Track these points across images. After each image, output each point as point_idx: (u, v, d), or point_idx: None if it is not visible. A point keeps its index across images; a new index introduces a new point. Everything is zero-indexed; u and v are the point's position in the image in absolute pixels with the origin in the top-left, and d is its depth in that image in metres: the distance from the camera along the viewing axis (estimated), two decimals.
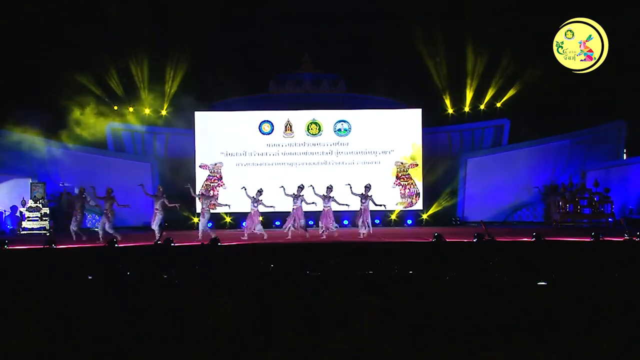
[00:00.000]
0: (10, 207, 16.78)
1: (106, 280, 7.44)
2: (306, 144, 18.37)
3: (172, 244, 11.95)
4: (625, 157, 18.61)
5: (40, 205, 16.30)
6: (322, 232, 14.15)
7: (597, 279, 7.03)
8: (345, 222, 18.21)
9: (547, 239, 12.07)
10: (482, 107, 19.57)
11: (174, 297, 6.69)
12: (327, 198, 14.26)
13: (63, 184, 16.94)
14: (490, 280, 7.11)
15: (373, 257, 10.18)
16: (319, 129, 18.34)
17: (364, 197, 14.28)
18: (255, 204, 14.17)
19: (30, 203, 16.33)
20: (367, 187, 14.52)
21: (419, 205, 18.39)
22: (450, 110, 19.76)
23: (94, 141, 18.08)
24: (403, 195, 18.35)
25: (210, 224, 16.21)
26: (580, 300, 6.30)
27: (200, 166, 18.16)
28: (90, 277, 7.74)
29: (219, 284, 7.20)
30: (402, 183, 18.33)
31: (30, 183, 16.65)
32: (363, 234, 14.13)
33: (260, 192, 14.29)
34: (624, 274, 7.28)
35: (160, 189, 14.44)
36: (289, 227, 14.19)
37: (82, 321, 6.16)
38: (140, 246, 12.40)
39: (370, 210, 14.62)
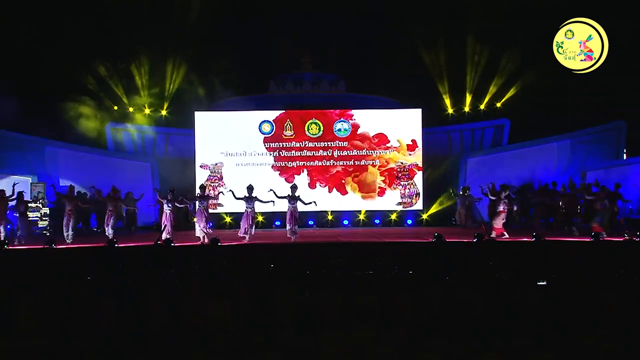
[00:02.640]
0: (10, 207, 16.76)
1: (106, 281, 7.44)
2: (306, 144, 18.35)
3: (172, 244, 11.98)
4: (625, 157, 18.60)
5: (40, 205, 16.27)
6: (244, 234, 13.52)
7: (597, 279, 7.04)
8: (345, 222, 18.23)
9: (547, 239, 12.09)
10: (482, 107, 19.58)
11: (174, 297, 6.68)
12: (250, 199, 13.64)
13: (92, 187, 15.54)
14: (490, 280, 7.11)
15: (373, 257, 10.18)
16: (319, 129, 18.33)
17: (292, 199, 13.64)
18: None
19: (30, 203, 16.29)
20: (294, 188, 13.90)
21: (419, 205, 18.38)
22: (450, 110, 19.77)
23: (94, 141, 18.09)
24: (403, 195, 18.34)
25: (209, 224, 16.20)
26: (580, 300, 6.30)
27: (200, 166, 18.15)
28: (90, 278, 7.74)
29: (220, 284, 7.20)
30: (402, 183, 18.32)
31: (30, 183, 16.62)
32: (295, 237, 13.48)
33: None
34: (624, 274, 7.29)
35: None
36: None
37: (82, 321, 6.15)
38: (140, 246, 12.40)
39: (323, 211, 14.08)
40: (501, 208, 13.60)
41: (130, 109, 19.06)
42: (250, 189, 13.73)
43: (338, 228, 17.59)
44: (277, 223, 17.43)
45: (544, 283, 6.96)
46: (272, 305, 6.58)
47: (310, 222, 18.04)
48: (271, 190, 13.70)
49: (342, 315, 6.57)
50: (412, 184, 18.29)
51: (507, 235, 13.19)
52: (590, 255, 10.45)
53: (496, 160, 18.76)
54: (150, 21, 17.11)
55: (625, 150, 18.71)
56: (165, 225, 13.35)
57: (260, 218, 17.51)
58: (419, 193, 18.33)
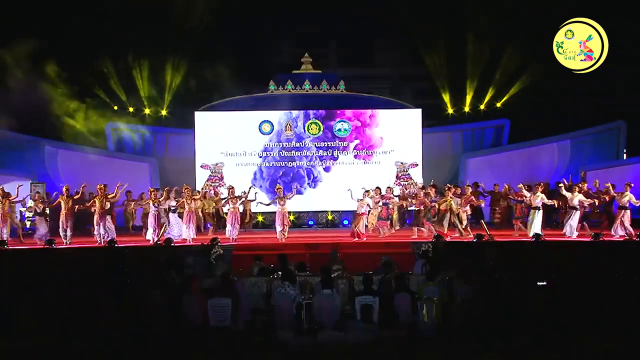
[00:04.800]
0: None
1: (106, 280, 7.45)
2: (306, 144, 18.34)
3: (172, 244, 11.99)
4: (625, 157, 18.58)
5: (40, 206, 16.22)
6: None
7: (597, 279, 7.04)
8: (345, 222, 18.21)
9: (547, 239, 12.10)
10: (482, 107, 19.56)
11: (174, 297, 6.69)
12: (234, 199, 13.59)
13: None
14: (490, 280, 7.12)
15: (374, 257, 10.20)
16: (319, 129, 18.32)
17: (280, 199, 13.49)
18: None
19: (30, 203, 16.26)
20: (279, 189, 13.78)
21: None
22: (450, 110, 19.76)
23: (94, 141, 18.07)
24: None
25: (208, 225, 16.16)
26: (580, 300, 6.31)
27: (201, 166, 18.14)
28: (90, 277, 7.74)
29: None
30: (402, 183, 18.31)
31: (30, 183, 16.60)
32: (284, 238, 13.38)
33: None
34: (624, 274, 7.29)
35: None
36: None
37: (82, 321, 6.16)
38: (140, 246, 12.40)
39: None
40: (362, 210, 13.40)
41: (130, 109, 19.06)
42: (230, 189, 13.72)
43: (338, 228, 17.57)
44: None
45: (544, 283, 6.97)
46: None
47: (310, 222, 18.03)
48: (259, 202, 13.77)
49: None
50: (411, 184, 18.27)
51: (365, 239, 13.07)
52: (590, 255, 10.47)
53: (496, 160, 18.74)
54: (150, 21, 17.09)
55: (625, 150, 18.68)
56: (154, 227, 13.09)
57: (260, 218, 17.52)
58: None
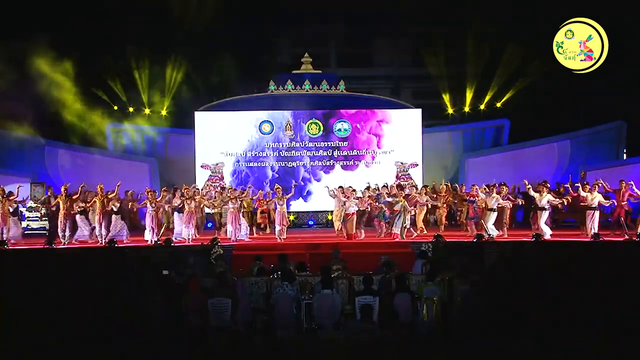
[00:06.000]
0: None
1: (106, 281, 7.45)
2: (306, 144, 18.35)
3: (172, 244, 12.00)
4: (625, 157, 18.57)
5: (40, 206, 16.23)
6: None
7: (597, 279, 7.04)
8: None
9: (546, 239, 12.11)
10: (482, 107, 19.55)
11: (174, 297, 6.69)
12: (234, 199, 13.57)
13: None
14: (490, 280, 7.12)
15: (374, 257, 10.21)
16: (319, 129, 18.32)
17: (279, 199, 13.62)
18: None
19: (30, 203, 16.26)
20: (278, 189, 13.87)
21: None
22: (450, 110, 19.74)
23: (94, 141, 18.08)
24: None
25: (210, 224, 16.18)
26: (580, 300, 6.31)
27: (201, 166, 18.15)
28: (90, 277, 7.75)
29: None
30: (402, 183, 18.29)
31: (30, 183, 16.61)
32: (282, 238, 13.39)
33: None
34: (624, 274, 7.30)
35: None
36: None
37: (82, 321, 6.16)
38: (140, 246, 12.41)
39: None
40: (352, 210, 13.35)
41: (130, 109, 19.06)
42: (225, 189, 13.75)
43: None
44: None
45: (545, 283, 6.97)
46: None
47: (310, 222, 18.04)
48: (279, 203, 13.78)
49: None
50: (412, 184, 18.26)
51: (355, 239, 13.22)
52: (590, 255, 10.48)
53: (496, 160, 18.74)
54: (151, 21, 17.10)
55: (625, 150, 18.68)
56: (152, 227, 12.99)
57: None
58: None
